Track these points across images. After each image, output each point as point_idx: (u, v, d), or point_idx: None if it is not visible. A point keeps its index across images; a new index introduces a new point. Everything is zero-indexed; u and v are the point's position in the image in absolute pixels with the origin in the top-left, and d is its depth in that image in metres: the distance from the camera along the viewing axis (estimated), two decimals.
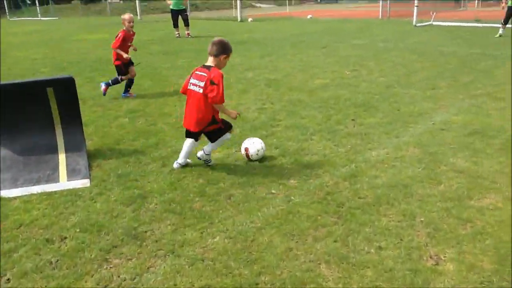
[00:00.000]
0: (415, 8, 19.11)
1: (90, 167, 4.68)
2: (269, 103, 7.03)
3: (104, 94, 7.65)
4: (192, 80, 4.34)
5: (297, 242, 3.30)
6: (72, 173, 4.53)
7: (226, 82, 8.54)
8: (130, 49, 7.67)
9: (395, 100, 6.99)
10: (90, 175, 4.49)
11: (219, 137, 4.51)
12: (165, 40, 16.25)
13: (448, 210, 3.67)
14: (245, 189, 4.14)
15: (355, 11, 33.09)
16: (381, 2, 25.41)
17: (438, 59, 10.57)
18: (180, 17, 16.84)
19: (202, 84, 4.22)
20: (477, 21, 19.94)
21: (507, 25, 14.59)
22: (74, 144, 4.93)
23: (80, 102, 7.51)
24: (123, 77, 7.65)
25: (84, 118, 6.29)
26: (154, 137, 5.55)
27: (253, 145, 4.76)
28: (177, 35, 16.98)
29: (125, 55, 7.39)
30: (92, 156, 4.97)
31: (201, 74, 4.27)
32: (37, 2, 35.02)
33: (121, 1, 47.49)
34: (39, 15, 34.25)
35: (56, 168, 4.61)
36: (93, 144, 5.40)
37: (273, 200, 3.92)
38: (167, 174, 4.50)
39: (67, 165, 4.69)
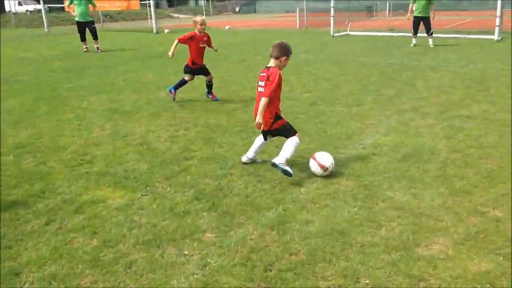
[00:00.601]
0: (332, 18, 19.15)
1: None
2: (182, 129, 6.23)
3: (174, 99, 7.75)
4: (259, 83, 4.58)
5: None
6: None
7: (135, 105, 7.70)
8: (212, 50, 8.36)
9: (321, 120, 6.47)
10: None
11: (290, 135, 4.55)
12: (71, 55, 14.89)
13: (395, 265, 3.08)
14: (150, 251, 3.32)
15: (273, 21, 33.09)
16: (298, 12, 25.44)
17: (360, 71, 10.30)
18: (87, 29, 15.52)
19: (263, 83, 4.48)
20: (391, 30, 20.40)
21: (418, 34, 14.83)
22: None
23: None
24: (186, 78, 7.76)
25: None
26: (41, 182, 4.56)
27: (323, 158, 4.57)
28: (85, 49, 15.66)
29: (170, 53, 7.68)
30: None
31: (262, 75, 4.54)
32: None
33: (28, 12, 44.42)
34: None
35: None
36: None
37: (186, 266, 3.13)
38: (52, 235, 3.57)
39: None
